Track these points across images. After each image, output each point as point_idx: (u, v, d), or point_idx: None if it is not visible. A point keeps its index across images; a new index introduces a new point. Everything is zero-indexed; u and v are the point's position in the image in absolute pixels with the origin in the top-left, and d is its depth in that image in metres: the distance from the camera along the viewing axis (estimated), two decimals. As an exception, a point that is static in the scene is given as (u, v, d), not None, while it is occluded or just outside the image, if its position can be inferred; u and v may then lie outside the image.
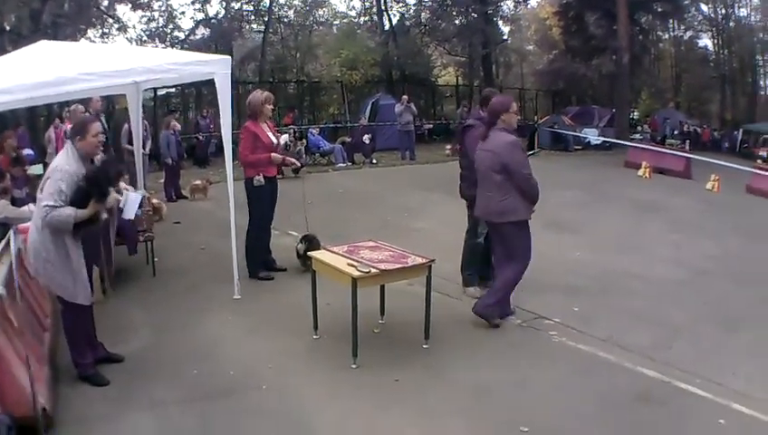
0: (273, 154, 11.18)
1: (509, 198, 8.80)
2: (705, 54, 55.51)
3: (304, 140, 29.24)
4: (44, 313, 8.27)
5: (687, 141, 39.04)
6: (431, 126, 43.71)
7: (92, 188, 7.02)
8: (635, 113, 51.28)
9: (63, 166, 6.97)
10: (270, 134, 11.33)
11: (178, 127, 24.92)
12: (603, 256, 13.09)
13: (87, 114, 9.31)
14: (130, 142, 16.75)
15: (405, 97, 31.97)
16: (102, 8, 37.90)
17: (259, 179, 11.09)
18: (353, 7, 49.75)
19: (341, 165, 28.89)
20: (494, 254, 9.74)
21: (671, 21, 50.07)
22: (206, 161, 30.08)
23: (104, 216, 7.32)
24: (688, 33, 55.11)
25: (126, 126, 17.53)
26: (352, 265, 7.88)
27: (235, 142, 10.86)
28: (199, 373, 7.79)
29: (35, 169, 17.52)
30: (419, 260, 8.25)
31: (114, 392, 7.29)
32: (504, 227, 8.98)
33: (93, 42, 36.10)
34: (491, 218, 9.13)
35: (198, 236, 14.83)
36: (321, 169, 28.18)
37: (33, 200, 12.05)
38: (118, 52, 14.61)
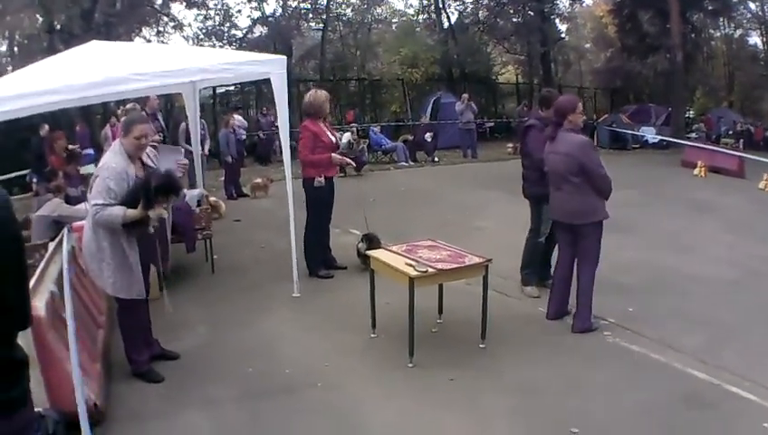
0: (333, 155, 11.15)
1: (589, 198, 8.70)
2: (754, 52, 54.62)
3: (367, 139, 29.22)
4: (99, 310, 8.29)
5: (741, 141, 38.65)
6: (492, 124, 43.66)
7: (141, 192, 7.03)
8: (690, 112, 50.67)
9: (110, 164, 7.00)
10: (329, 134, 11.28)
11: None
12: (657, 256, 12.91)
13: (143, 113, 9.28)
14: (188, 141, 16.80)
15: (465, 95, 31.99)
16: (156, 6, 38.28)
17: (320, 181, 11.05)
18: (411, 5, 49.70)
19: (404, 163, 28.78)
20: (560, 253, 9.52)
21: (721, 19, 49.50)
22: (268, 159, 30.32)
23: (154, 224, 7.27)
24: (738, 32, 54.38)
25: (183, 125, 17.53)
26: (410, 265, 7.81)
27: (294, 140, 10.80)
28: (255, 371, 7.79)
29: (89, 169, 17.68)
30: (476, 260, 8.14)
31: (169, 390, 7.31)
32: (585, 229, 8.85)
33: (149, 41, 36.45)
34: (570, 220, 8.97)
35: (259, 234, 14.86)
36: (384, 167, 28.27)
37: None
38: (171, 51, 14.69)
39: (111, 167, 6.95)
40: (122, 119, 7.67)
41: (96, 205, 6.81)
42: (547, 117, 9.53)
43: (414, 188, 22.05)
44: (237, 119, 26.46)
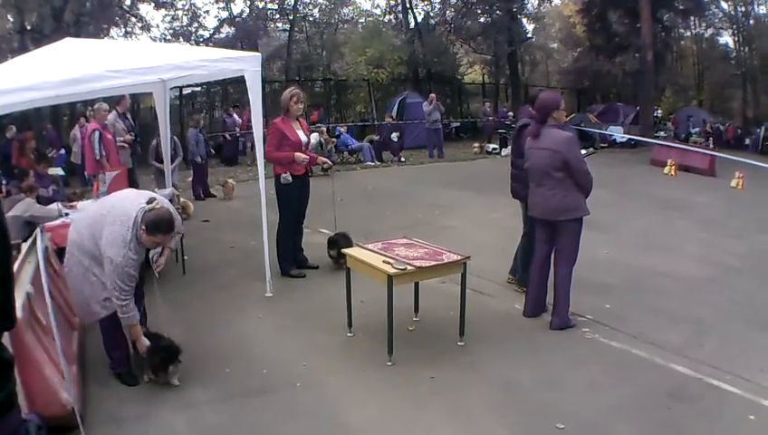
0: (296, 153, 11.03)
1: (570, 195, 8.69)
2: (725, 52, 55.06)
3: (335, 139, 29.20)
4: (72, 311, 8.17)
5: (711, 139, 38.86)
6: (458, 124, 43.70)
7: (150, 356, 7.29)
8: (658, 111, 50.92)
9: (127, 251, 6.81)
10: (300, 132, 11.19)
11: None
12: (632, 255, 13.03)
13: (169, 218, 8.84)
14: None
15: (432, 95, 32.03)
16: (125, 7, 38.20)
17: (286, 177, 10.98)
18: (378, 5, 50.05)
19: (370, 163, 28.94)
20: (537, 250, 9.46)
21: (692, 18, 49.96)
22: (235, 160, 30.12)
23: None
24: (709, 31, 54.75)
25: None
26: (388, 263, 7.77)
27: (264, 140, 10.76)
28: (232, 372, 7.72)
29: (57, 170, 17.57)
30: (455, 257, 8.12)
31: (146, 392, 7.22)
32: (567, 225, 8.84)
33: (116, 40, 36.31)
34: (552, 217, 8.92)
35: (228, 235, 14.81)
36: (350, 167, 28.26)
37: (60, 199, 12.00)
38: (145, 49, 14.59)
39: (129, 256, 6.81)
40: (146, 212, 7.30)
41: (122, 292, 6.82)
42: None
43: (382, 188, 22.09)
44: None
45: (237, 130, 30.04)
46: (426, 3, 49.19)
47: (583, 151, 9.77)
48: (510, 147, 11.61)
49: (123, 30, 39.05)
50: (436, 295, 9.69)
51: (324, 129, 28.55)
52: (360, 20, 49.07)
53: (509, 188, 10.68)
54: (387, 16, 49.38)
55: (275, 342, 8.63)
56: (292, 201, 11.26)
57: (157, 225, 6.93)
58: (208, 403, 7.01)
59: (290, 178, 11.00)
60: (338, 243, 11.26)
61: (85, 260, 7.06)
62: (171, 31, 40.07)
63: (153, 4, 38.84)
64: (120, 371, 7.43)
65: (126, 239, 6.84)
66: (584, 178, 8.69)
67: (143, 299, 8.06)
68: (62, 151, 24.14)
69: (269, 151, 10.97)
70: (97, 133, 14.35)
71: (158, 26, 40.82)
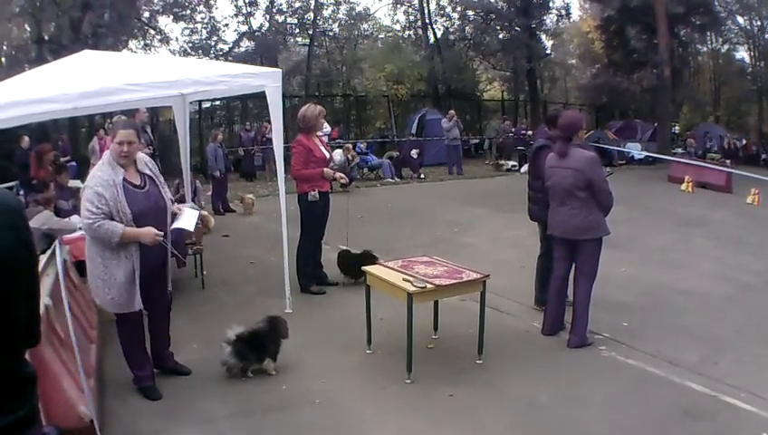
0: (325, 169, 11.07)
1: (592, 214, 8.68)
2: (742, 67, 54.65)
3: (357, 156, 29.17)
4: (90, 324, 8.17)
5: (727, 158, 38.63)
6: (477, 141, 43.56)
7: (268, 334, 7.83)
8: (676, 128, 50.73)
9: (96, 172, 6.93)
10: (322, 148, 11.23)
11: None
12: (649, 272, 13.01)
13: (133, 120, 8.97)
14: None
15: (452, 112, 32.13)
16: (144, 19, 38.34)
17: (314, 195, 10.97)
18: (398, 21, 49.78)
19: (390, 180, 28.99)
20: (555, 269, 9.43)
21: (709, 34, 49.85)
22: (254, 175, 30.23)
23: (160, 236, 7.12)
24: (726, 46, 54.48)
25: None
26: (408, 281, 7.76)
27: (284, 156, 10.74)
28: (250, 388, 7.69)
29: (75, 182, 17.64)
30: (474, 275, 8.10)
31: (163, 406, 7.20)
32: (587, 244, 8.82)
33: (135, 53, 36.25)
34: (574, 236, 8.88)
35: (247, 250, 14.84)
36: (369, 183, 28.30)
37: (78, 212, 12.02)
38: (165, 63, 14.55)
39: (98, 175, 6.85)
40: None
41: (90, 212, 6.67)
42: (556, 135, 9.43)
43: (401, 205, 22.04)
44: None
45: (254, 146, 30.08)
46: (445, 19, 49.21)
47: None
48: (527, 167, 11.53)
49: (142, 42, 39.16)
50: (456, 313, 9.66)
51: (350, 146, 28.51)
52: (380, 36, 48.99)
53: (527, 208, 10.65)
54: (406, 32, 49.31)
55: (294, 358, 8.53)
56: (315, 218, 11.28)
57: (114, 125, 7.17)
58: (226, 419, 6.99)
59: (317, 196, 11.02)
60: (366, 257, 11.13)
61: (93, 248, 7.05)
62: (190, 44, 40.00)
63: (172, 17, 38.85)
64: (144, 385, 7.42)
65: (99, 166, 7.07)
66: (606, 198, 8.68)
67: (167, 322, 8.06)
68: (74, 163, 24.12)
69: (297, 169, 11.00)
70: (116, 146, 14.34)
71: (176, 39, 40.64)
